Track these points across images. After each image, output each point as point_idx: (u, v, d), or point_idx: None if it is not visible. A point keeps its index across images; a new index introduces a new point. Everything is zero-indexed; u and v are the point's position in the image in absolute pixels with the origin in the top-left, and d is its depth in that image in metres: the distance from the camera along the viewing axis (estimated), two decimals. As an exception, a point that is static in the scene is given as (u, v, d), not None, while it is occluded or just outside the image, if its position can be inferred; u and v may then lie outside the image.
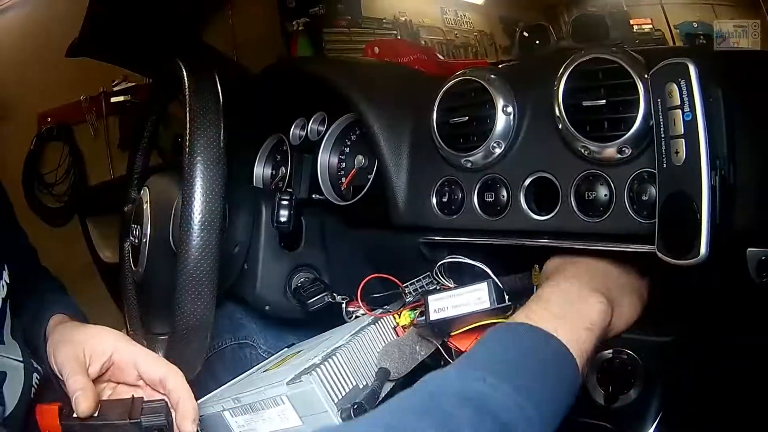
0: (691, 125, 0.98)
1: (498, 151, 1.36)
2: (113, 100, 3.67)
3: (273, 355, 1.70)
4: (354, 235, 1.79)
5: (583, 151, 1.22)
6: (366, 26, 4.35)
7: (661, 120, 1.04)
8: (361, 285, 1.44)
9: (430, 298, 1.30)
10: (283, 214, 1.59)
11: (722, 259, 0.97)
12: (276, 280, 1.73)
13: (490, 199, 1.38)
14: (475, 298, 1.25)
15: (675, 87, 1.00)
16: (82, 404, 1.06)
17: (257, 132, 2.14)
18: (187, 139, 1.20)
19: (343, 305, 1.54)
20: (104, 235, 3.43)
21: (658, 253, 1.05)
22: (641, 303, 1.23)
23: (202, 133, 1.20)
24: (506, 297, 1.27)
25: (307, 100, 1.87)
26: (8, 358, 1.28)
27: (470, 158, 1.40)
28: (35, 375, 1.32)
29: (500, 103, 1.35)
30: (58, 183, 3.88)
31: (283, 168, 2.07)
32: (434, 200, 1.48)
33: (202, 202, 1.16)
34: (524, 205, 1.33)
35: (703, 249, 0.95)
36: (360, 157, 1.82)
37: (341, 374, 1.25)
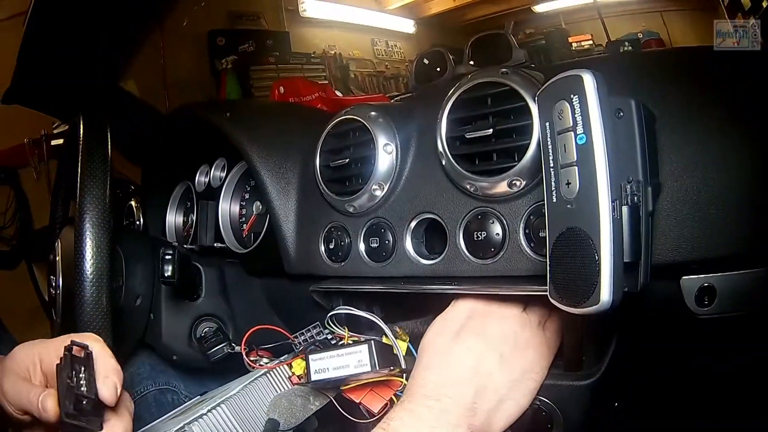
0: (585, 150, 0.71)
1: (380, 193, 1.10)
2: (53, 143, 3.28)
3: (192, 400, 1.52)
4: (255, 283, 1.54)
5: (469, 188, 0.96)
6: (294, 62, 4.13)
7: (550, 146, 0.76)
8: (245, 336, 1.21)
9: (311, 357, 1.09)
10: (167, 269, 1.33)
11: (650, 295, 0.77)
12: (180, 331, 1.50)
13: (375, 245, 1.12)
14: (355, 360, 1.04)
15: (566, 106, 0.73)
16: (48, 403, 0.88)
17: (169, 178, 1.86)
18: (78, 199, 1.11)
19: (243, 355, 1.25)
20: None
21: (551, 300, 0.77)
22: (536, 381, 0.95)
23: (90, 196, 1.11)
24: (399, 354, 1.06)
25: (210, 145, 1.60)
26: None
27: (353, 203, 1.13)
28: None
29: (381, 141, 1.10)
30: (6, 227, 3.48)
31: (192, 215, 1.76)
32: (322, 247, 1.21)
33: (90, 262, 1.08)
34: (410, 250, 1.07)
35: (605, 295, 0.68)
36: (258, 203, 1.53)
37: (227, 425, 1.10)
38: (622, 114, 0.75)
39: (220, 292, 1.55)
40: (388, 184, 1.09)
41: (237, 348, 1.35)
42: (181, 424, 1.06)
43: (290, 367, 1.18)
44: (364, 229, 1.13)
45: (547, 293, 0.77)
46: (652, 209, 0.76)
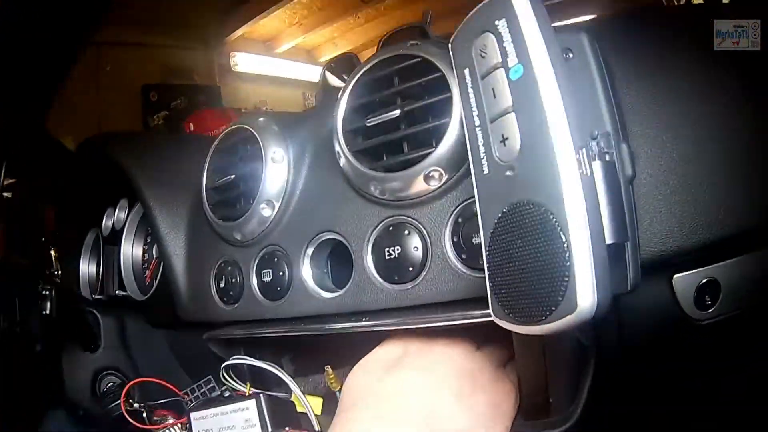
0: (523, 85, 0.40)
1: (270, 213, 0.77)
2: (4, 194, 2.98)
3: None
4: (158, 334, 1.18)
5: (375, 191, 0.64)
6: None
7: (473, 99, 0.45)
8: (124, 391, 0.98)
9: (193, 415, 0.83)
10: (45, 307, 1.18)
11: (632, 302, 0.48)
12: (82, 384, 1.23)
13: (268, 279, 0.78)
14: (242, 419, 0.77)
15: (490, 37, 0.43)
16: None
17: (80, 225, 1.49)
18: None
19: (143, 414, 0.99)
20: None
21: (497, 321, 0.44)
22: (504, 427, 0.59)
23: None
24: (310, 412, 0.78)
25: (116, 185, 1.23)
26: None
27: (241, 228, 0.80)
28: None
29: (270, 150, 0.77)
30: None
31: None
32: (213, 288, 0.87)
33: None
34: (309, 281, 0.74)
35: (584, 296, 0.35)
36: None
37: None
38: (571, 55, 0.47)
39: (121, 344, 1.27)
40: (279, 203, 0.77)
41: (135, 405, 1.02)
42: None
43: (182, 427, 0.90)
44: (256, 261, 0.80)
45: (491, 314, 0.44)
46: (631, 174, 0.45)
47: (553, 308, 0.37)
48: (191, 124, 1.61)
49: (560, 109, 0.37)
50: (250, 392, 0.82)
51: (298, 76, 4.74)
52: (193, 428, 0.81)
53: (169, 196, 0.99)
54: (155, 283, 1.11)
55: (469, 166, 0.50)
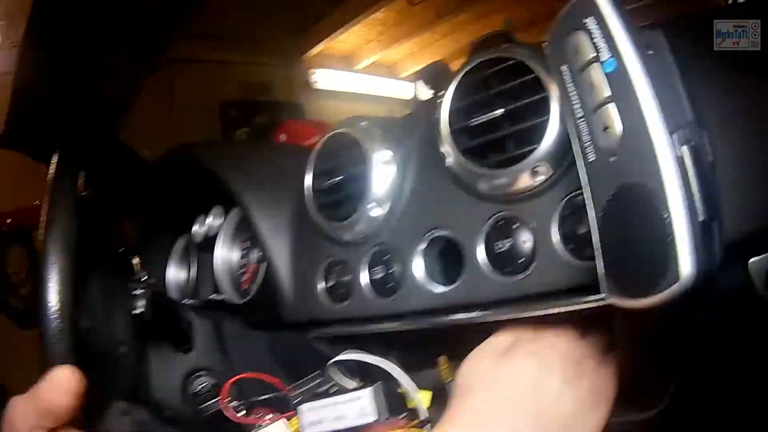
0: (618, 77, 0.50)
1: (380, 213, 0.89)
2: None
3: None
4: (257, 336, 1.33)
5: (484, 188, 0.74)
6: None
7: (574, 92, 0.55)
8: (226, 386, 1.06)
9: (303, 408, 0.92)
10: (139, 305, 1.21)
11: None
12: (171, 385, 1.32)
13: (379, 276, 0.89)
14: (356, 408, 0.86)
15: (582, 35, 0.54)
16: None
17: (168, 232, 1.67)
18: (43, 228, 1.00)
19: (225, 408, 1.09)
20: None
21: (611, 300, 0.53)
22: (604, 412, 0.70)
23: (53, 221, 1.01)
24: (419, 402, 0.86)
25: (207, 192, 1.39)
26: None
27: (351, 228, 0.92)
28: None
29: (375, 153, 0.89)
30: (22, 285, 3.39)
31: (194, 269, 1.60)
32: (320, 287, 0.98)
33: (52, 289, 0.93)
34: (421, 277, 0.83)
35: (686, 265, 0.45)
36: (257, 249, 1.30)
37: None
38: (651, 51, 0.55)
39: (217, 346, 1.38)
40: (389, 202, 0.88)
41: (232, 404, 1.13)
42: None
43: (287, 420, 0.98)
44: (367, 259, 0.91)
45: (602, 295, 0.54)
46: (712, 160, 0.54)
47: (660, 280, 0.46)
48: (283, 135, 1.74)
49: (653, 97, 0.46)
50: (360, 385, 0.93)
51: (380, 92, 4.90)
52: (302, 420, 0.91)
53: (270, 201, 1.12)
54: (254, 287, 1.23)
55: (570, 161, 0.62)
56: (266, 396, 1.07)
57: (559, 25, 0.57)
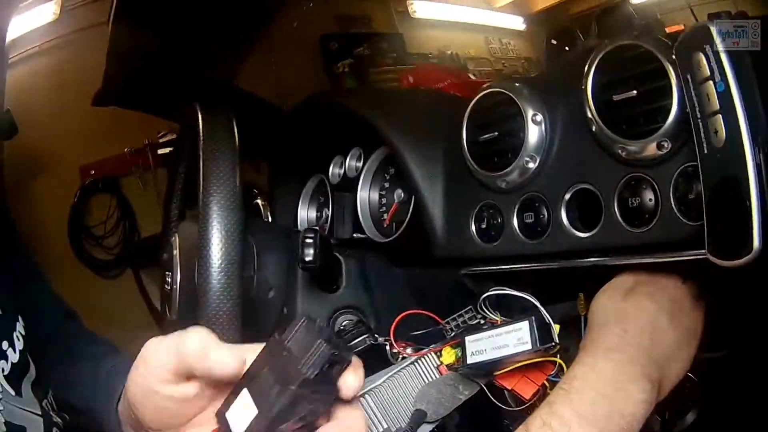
0: (725, 97, 0.83)
1: (532, 165, 1.22)
2: (160, 151, 3.62)
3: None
4: (398, 273, 1.64)
5: (621, 152, 1.06)
6: (412, 62, 4.31)
7: (694, 98, 0.89)
8: (394, 323, 1.31)
9: (468, 339, 1.18)
10: (308, 253, 1.38)
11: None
12: None
13: (530, 221, 1.23)
14: (515, 338, 1.12)
15: (702, 56, 0.86)
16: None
17: (298, 174, 2.03)
18: (201, 183, 1.15)
19: (387, 347, 1.36)
20: (159, 285, 3.38)
21: (710, 257, 0.88)
22: (694, 347, 1.09)
23: (216, 177, 1.15)
24: (553, 332, 1.13)
25: (343, 136, 1.77)
26: (27, 411, 1.15)
27: (505, 177, 1.25)
28: (55, 429, 1.20)
29: (529, 112, 1.21)
30: (108, 236, 3.78)
31: (326, 209, 1.95)
32: (473, 228, 1.33)
33: (219, 246, 1.11)
34: (566, 223, 1.18)
35: (756, 242, 0.79)
36: (399, 191, 1.69)
37: (370, 417, 1.15)
38: (743, 68, 0.85)
39: (362, 284, 1.62)
40: (539, 156, 1.20)
41: (380, 339, 1.39)
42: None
43: (439, 355, 1.26)
44: (518, 205, 1.24)
45: (706, 253, 0.88)
46: None
47: (741, 250, 0.80)
48: (410, 77, 2.03)
49: (744, 117, 0.80)
50: (503, 321, 1.21)
51: (477, 21, 5.21)
52: (467, 349, 1.16)
53: (421, 145, 1.44)
54: (395, 226, 1.60)
55: (684, 139, 0.96)
56: (424, 330, 1.33)
57: (686, 40, 0.90)
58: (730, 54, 0.83)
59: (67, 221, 3.64)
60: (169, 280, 1.44)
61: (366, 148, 1.75)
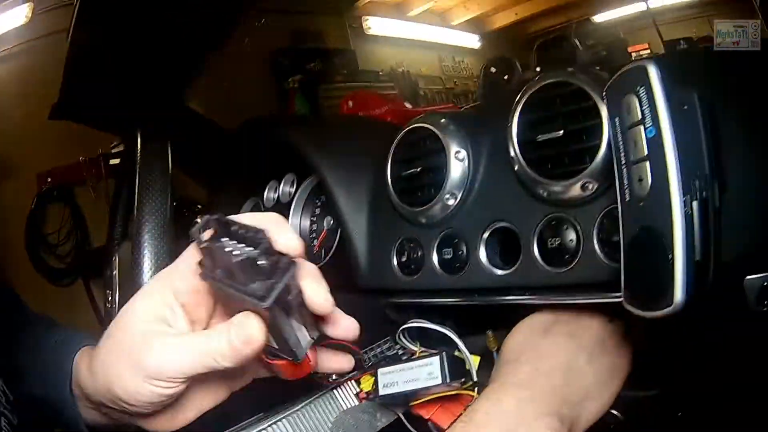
0: (655, 143, 0.72)
1: (453, 202, 1.12)
2: (112, 162, 3.43)
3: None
4: None
5: (542, 193, 0.97)
6: (363, 80, 4.23)
7: (621, 142, 0.78)
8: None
9: (381, 371, 1.11)
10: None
11: (712, 296, 0.74)
12: None
13: (449, 256, 1.14)
14: (425, 372, 1.06)
15: (634, 99, 0.75)
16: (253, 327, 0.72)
17: (236, 194, 1.91)
18: (135, 210, 1.18)
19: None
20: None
21: (626, 305, 0.78)
22: (617, 386, 0.99)
23: (147, 204, 1.17)
24: (471, 367, 1.09)
25: (280, 160, 1.68)
26: None
27: (426, 213, 1.16)
28: (2, 420, 1.04)
29: (452, 149, 1.12)
30: (61, 244, 3.63)
31: (260, 231, 1.81)
32: (395, 261, 1.24)
33: (149, 272, 1.13)
34: (484, 261, 1.08)
35: (678, 296, 0.68)
36: (329, 218, 1.57)
37: None
38: (686, 107, 0.75)
39: None
40: (460, 193, 1.12)
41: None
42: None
43: (358, 383, 1.20)
44: (437, 241, 1.15)
45: (622, 300, 0.78)
46: (718, 205, 0.76)
47: (660, 302, 0.69)
48: (350, 102, 1.95)
49: (675, 166, 0.68)
50: (421, 351, 1.15)
51: (432, 38, 5.12)
52: (380, 381, 1.11)
53: (349, 178, 1.35)
54: (323, 252, 1.50)
55: (610, 182, 0.85)
56: None
57: (617, 82, 0.79)
58: (668, 95, 0.73)
59: (24, 228, 3.55)
60: (110, 298, 1.48)
61: (299, 174, 1.67)
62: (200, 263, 0.70)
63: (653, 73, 0.73)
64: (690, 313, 0.69)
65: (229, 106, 2.79)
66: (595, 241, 0.92)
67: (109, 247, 1.68)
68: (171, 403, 0.80)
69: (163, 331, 0.76)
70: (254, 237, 0.66)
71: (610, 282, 0.88)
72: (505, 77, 1.43)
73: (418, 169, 1.17)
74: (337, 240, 1.46)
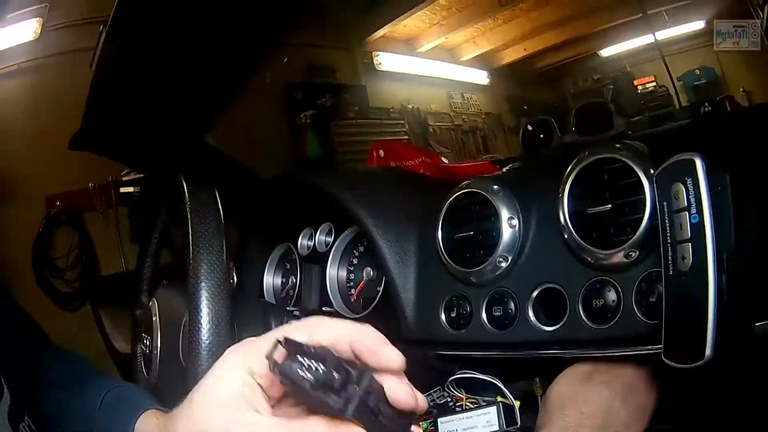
0: (698, 228, 0.96)
1: (504, 264, 1.34)
2: (122, 190, 3.73)
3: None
4: None
5: (589, 259, 1.20)
6: (374, 117, 4.47)
7: (667, 224, 1.02)
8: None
9: (441, 420, 1.30)
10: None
11: (732, 345, 0.96)
12: None
13: (498, 313, 1.35)
14: (484, 420, 1.26)
15: (681, 188, 0.99)
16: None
17: (267, 241, 2.13)
18: (190, 261, 1.20)
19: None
20: (117, 325, 3.46)
21: (665, 359, 1.01)
22: (645, 423, 1.21)
23: (205, 257, 1.19)
24: (516, 415, 1.28)
25: (314, 209, 1.87)
26: None
27: (477, 274, 1.38)
28: None
29: (505, 215, 1.35)
30: (69, 269, 3.86)
31: (293, 278, 2.04)
32: (443, 316, 1.45)
33: (209, 327, 1.15)
34: (532, 318, 1.30)
35: (708, 352, 0.92)
36: (369, 269, 1.78)
37: None
38: (720, 188, 0.99)
39: None
40: (511, 256, 1.33)
41: None
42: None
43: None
44: (487, 298, 1.36)
45: (661, 353, 1.01)
46: (742, 271, 0.98)
47: (693, 357, 0.94)
48: (381, 151, 2.08)
49: (713, 250, 0.94)
50: (467, 398, 1.34)
51: (441, 75, 5.40)
52: (440, 429, 1.29)
53: (394, 229, 1.55)
54: (362, 302, 1.71)
55: (648, 250, 1.11)
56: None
57: (667, 171, 1.03)
58: (711, 188, 0.96)
59: (32, 249, 3.73)
60: (148, 342, 1.50)
61: (336, 223, 1.85)
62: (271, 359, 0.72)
63: (700, 168, 0.97)
64: (717, 365, 0.93)
65: (246, 141, 2.99)
66: (633, 301, 1.14)
67: (138, 289, 1.76)
68: None
69: (253, 416, 0.76)
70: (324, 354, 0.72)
71: (644, 336, 1.12)
72: (542, 136, 1.66)
73: (471, 233, 1.39)
74: (380, 291, 1.64)
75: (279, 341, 0.72)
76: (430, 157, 2.01)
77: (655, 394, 1.23)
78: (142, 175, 3.49)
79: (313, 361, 0.71)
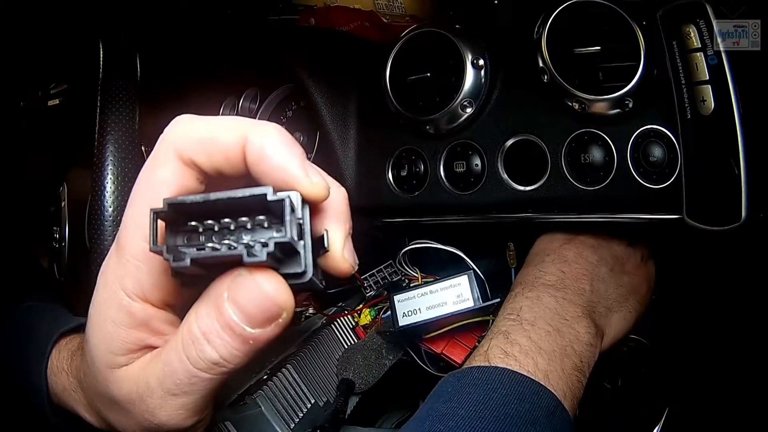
0: (717, 70, 0.95)
1: (468, 111, 1.29)
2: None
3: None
4: None
5: (575, 106, 1.16)
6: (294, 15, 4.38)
7: (679, 65, 1.00)
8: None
9: (396, 298, 1.24)
10: None
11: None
12: None
13: (461, 170, 1.31)
14: (454, 295, 1.20)
15: (693, 28, 0.97)
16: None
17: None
18: (97, 124, 1.16)
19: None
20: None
21: (687, 220, 1.00)
22: (636, 309, 1.22)
23: (113, 119, 1.17)
24: (487, 291, 1.23)
25: (237, 77, 1.82)
26: None
27: (433, 123, 1.32)
28: None
29: (469, 54, 1.28)
30: None
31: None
32: (390, 175, 1.41)
33: (113, 193, 1.12)
34: (503, 174, 1.27)
35: (743, 211, 0.91)
36: (298, 134, 1.73)
37: (295, 391, 1.16)
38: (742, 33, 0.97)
39: None
40: (477, 103, 1.27)
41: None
42: (241, 390, 1.09)
43: (357, 315, 1.33)
44: (444, 153, 1.33)
45: (683, 215, 1.00)
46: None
47: (726, 216, 0.93)
48: (311, 19, 1.98)
49: (736, 92, 0.93)
50: (423, 278, 1.31)
51: None
52: (397, 310, 1.21)
53: (334, 87, 1.50)
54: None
55: (644, 99, 1.09)
56: (339, 288, 1.40)
57: (674, 9, 1.01)
58: (725, 31, 0.96)
59: None
60: (57, 236, 1.47)
61: (263, 88, 1.80)
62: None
63: (710, 10, 0.96)
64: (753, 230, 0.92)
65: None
66: (629, 160, 1.12)
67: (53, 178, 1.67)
68: None
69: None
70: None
71: (643, 202, 1.11)
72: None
73: (427, 75, 1.32)
74: (312, 157, 1.59)
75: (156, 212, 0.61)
76: (368, 19, 1.92)
77: (646, 279, 1.25)
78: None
79: (203, 237, 0.64)
